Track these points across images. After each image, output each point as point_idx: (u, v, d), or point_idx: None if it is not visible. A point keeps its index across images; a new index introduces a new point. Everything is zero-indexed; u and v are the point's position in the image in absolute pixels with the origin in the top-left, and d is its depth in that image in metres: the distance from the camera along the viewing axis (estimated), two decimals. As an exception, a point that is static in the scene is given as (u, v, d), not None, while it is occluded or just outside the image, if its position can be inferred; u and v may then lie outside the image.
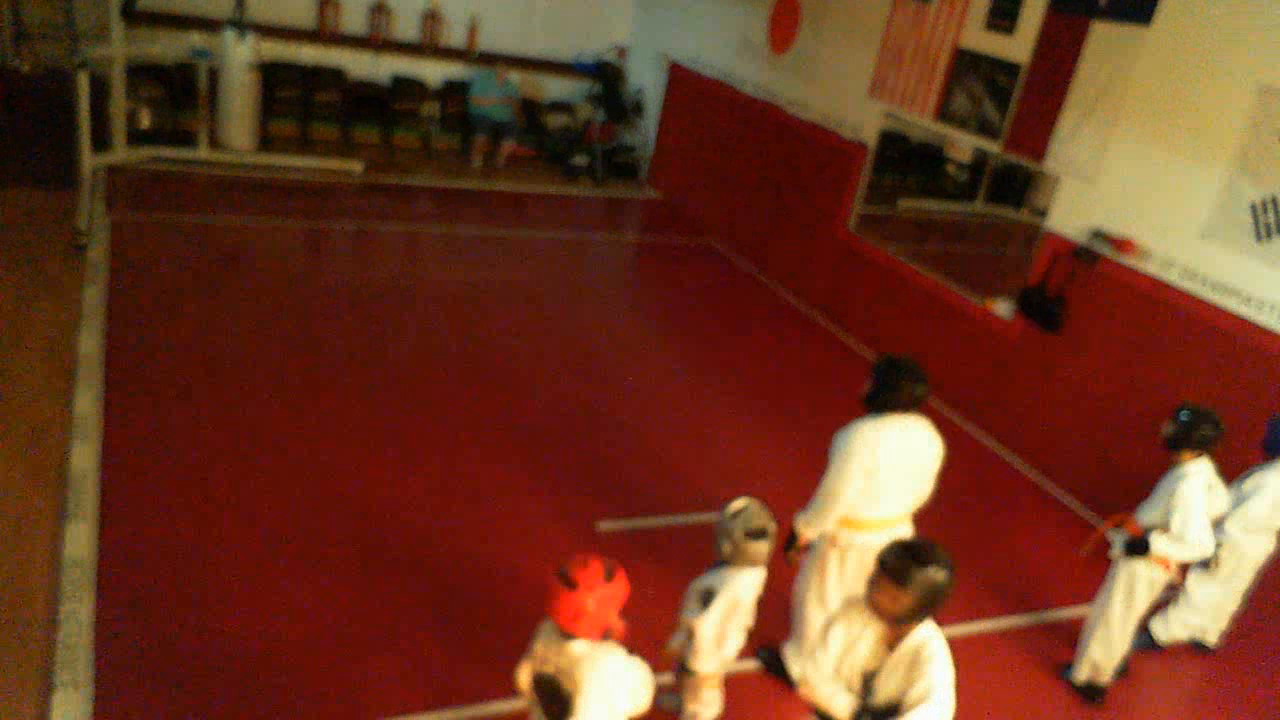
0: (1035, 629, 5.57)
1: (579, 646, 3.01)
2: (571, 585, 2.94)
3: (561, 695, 3.02)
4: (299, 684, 4.18)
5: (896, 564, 3.06)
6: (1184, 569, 5.14)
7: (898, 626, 3.13)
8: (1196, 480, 4.61)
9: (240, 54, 10.30)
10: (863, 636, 3.22)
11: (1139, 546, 4.70)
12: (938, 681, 3.04)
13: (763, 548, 3.84)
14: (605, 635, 3.03)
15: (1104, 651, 4.96)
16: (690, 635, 3.99)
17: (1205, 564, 5.25)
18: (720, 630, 3.93)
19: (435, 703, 4.22)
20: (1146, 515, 4.76)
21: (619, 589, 3.01)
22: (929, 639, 3.11)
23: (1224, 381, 6.03)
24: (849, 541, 4.36)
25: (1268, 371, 5.88)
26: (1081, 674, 5.08)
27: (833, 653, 3.25)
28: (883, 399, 4.27)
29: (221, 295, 7.71)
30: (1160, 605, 5.23)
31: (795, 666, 4.71)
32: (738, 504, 3.90)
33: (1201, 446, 4.67)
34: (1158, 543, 4.63)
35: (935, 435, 4.37)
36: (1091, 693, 5.05)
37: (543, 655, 3.12)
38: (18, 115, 8.86)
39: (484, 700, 4.26)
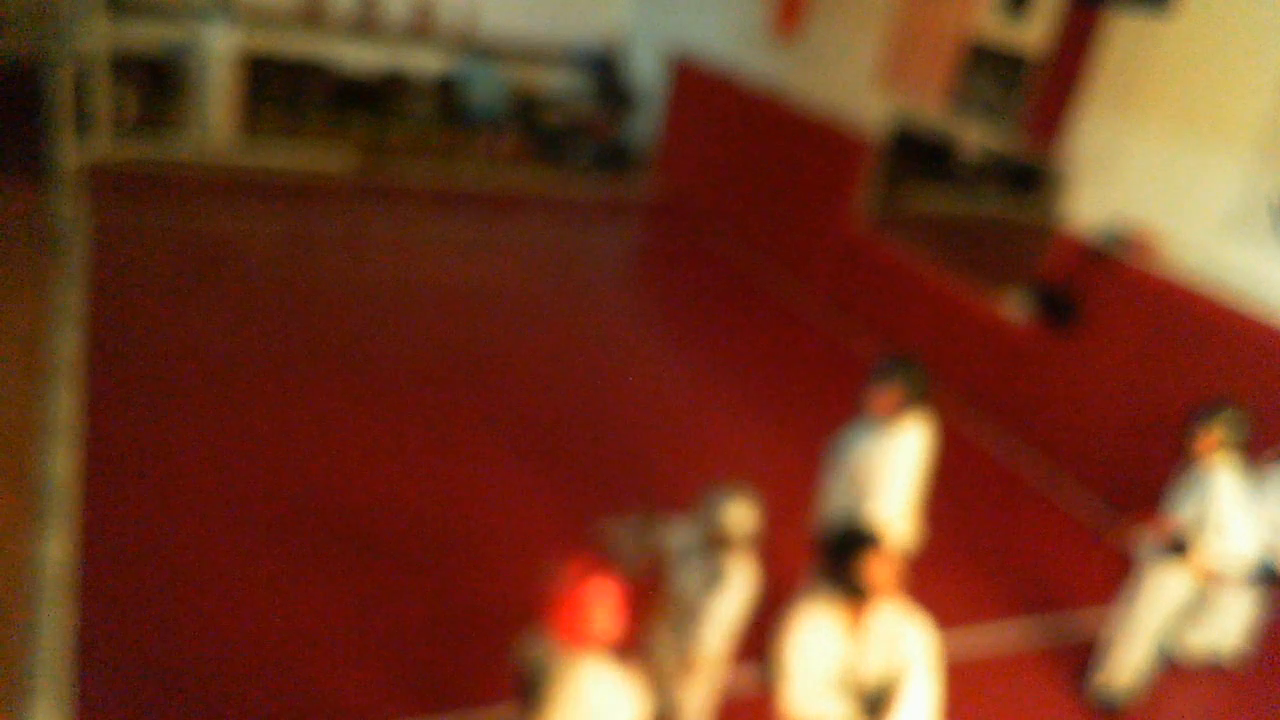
0: (1049, 634, 5.43)
1: (563, 652, 2.86)
2: (554, 588, 2.84)
3: (537, 690, 2.88)
4: (289, 691, 4.08)
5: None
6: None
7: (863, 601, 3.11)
8: (1228, 476, 4.50)
9: (227, 45, 10.10)
10: (819, 629, 3.12)
11: (1175, 547, 4.56)
12: (921, 644, 3.08)
13: (748, 523, 3.64)
14: (590, 639, 2.84)
15: (1125, 659, 4.82)
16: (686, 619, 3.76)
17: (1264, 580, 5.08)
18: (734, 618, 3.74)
19: (430, 708, 4.14)
20: (1179, 514, 4.61)
21: (599, 591, 2.83)
22: (895, 609, 3.11)
23: (1241, 378, 5.88)
24: None
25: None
26: (1102, 681, 4.94)
27: (803, 664, 3.12)
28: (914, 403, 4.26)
29: (206, 294, 7.53)
30: (1178, 617, 5.10)
31: None
32: (723, 490, 3.71)
33: (1229, 443, 4.55)
34: (1197, 543, 4.50)
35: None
36: (1109, 709, 4.90)
37: (544, 646, 2.98)
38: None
39: (480, 705, 4.17)
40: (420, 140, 12.30)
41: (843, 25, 9.35)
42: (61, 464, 5.17)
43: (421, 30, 12.24)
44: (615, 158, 12.82)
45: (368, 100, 12.05)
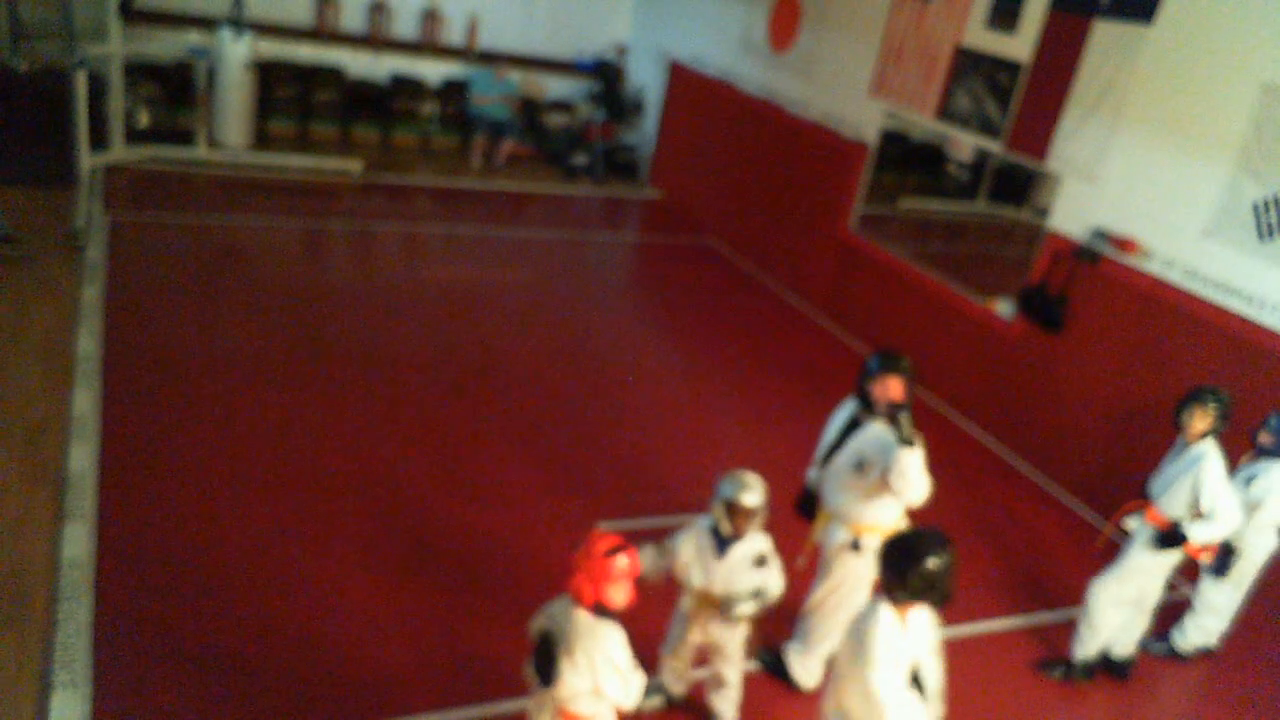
0: (1035, 629, 5.54)
1: (580, 614, 3.18)
2: (577, 551, 3.19)
3: (553, 654, 3.20)
4: (301, 683, 4.17)
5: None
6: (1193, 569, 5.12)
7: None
8: (1217, 459, 4.63)
9: (237, 52, 10.30)
10: (896, 629, 3.23)
11: (1173, 538, 4.66)
12: (933, 629, 3.36)
13: (761, 500, 3.91)
14: (600, 610, 3.17)
15: (1099, 630, 4.98)
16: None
17: (1219, 569, 5.17)
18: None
19: (438, 702, 4.21)
20: (1171, 505, 4.72)
21: (618, 566, 3.15)
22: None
23: (1225, 380, 5.99)
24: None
25: (1269, 370, 5.86)
26: (1078, 653, 5.09)
27: (893, 664, 3.21)
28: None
29: (220, 295, 7.68)
30: (1175, 613, 5.24)
31: (799, 669, 4.71)
32: (732, 476, 3.91)
33: (1218, 428, 4.71)
34: (1194, 531, 4.61)
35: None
36: (1087, 677, 5.07)
37: (555, 615, 3.29)
38: (15, 114, 8.85)
39: (488, 700, 4.25)
40: (426, 146, 12.46)
41: (835, 36, 9.48)
42: (82, 459, 5.27)
43: (428, 47, 12.40)
44: (621, 169, 12.98)
45: (375, 104, 12.21)
